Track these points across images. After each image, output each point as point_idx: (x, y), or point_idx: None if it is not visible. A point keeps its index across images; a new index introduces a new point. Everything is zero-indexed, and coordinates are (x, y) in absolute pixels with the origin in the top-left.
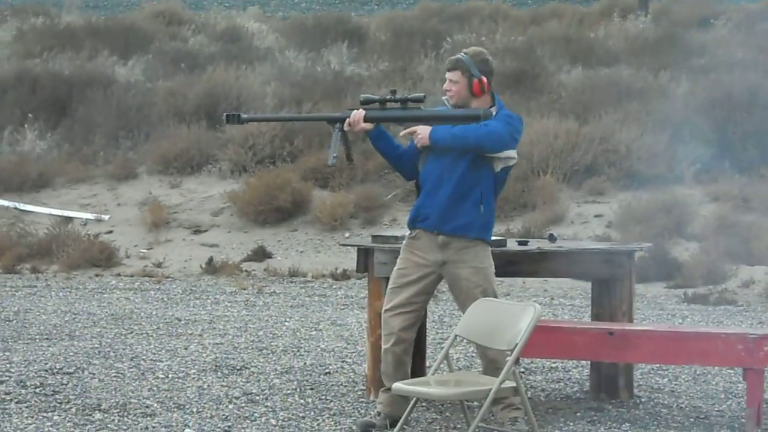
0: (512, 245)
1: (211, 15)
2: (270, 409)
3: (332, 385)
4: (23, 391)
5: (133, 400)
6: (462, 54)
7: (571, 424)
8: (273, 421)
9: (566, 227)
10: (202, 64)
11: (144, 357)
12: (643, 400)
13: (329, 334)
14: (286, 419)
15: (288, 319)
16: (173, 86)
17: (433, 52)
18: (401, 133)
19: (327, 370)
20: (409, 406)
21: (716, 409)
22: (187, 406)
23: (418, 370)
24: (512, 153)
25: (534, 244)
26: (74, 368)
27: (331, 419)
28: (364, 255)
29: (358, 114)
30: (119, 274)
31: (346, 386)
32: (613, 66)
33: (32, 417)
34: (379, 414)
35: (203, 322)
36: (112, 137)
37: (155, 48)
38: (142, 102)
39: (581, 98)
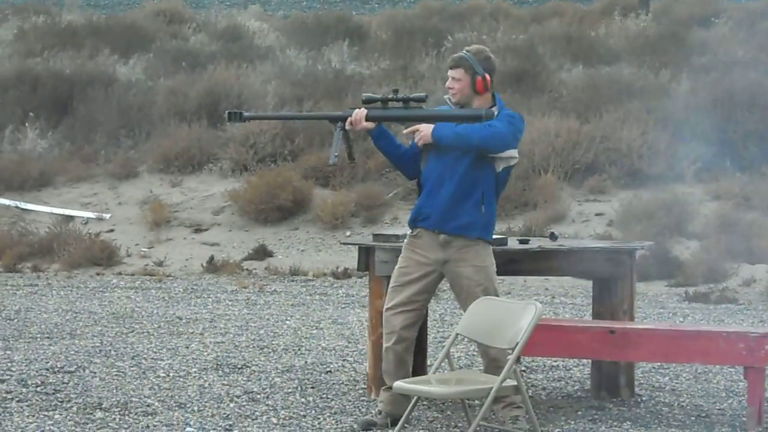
0: (513, 244)
1: (212, 14)
2: (271, 408)
3: (333, 383)
4: (24, 389)
5: (134, 399)
6: (464, 52)
7: (572, 422)
8: (274, 420)
9: (567, 226)
10: (203, 62)
11: (145, 356)
12: (644, 398)
13: (330, 332)
14: (287, 418)
15: (289, 318)
16: (174, 85)
17: (434, 50)
18: (404, 131)
19: (328, 369)
20: (410, 404)
21: (717, 407)
22: (188, 405)
23: (419, 368)
24: (514, 152)
25: (535, 243)
26: (75, 367)
27: (332, 418)
28: (365, 254)
29: (360, 113)
30: (120, 273)
31: (347, 385)
32: (614, 64)
33: (33, 416)
34: (380, 412)
35: (204, 320)
36: (113, 136)
37: (156, 47)
38: (143, 101)
39: (582, 97)
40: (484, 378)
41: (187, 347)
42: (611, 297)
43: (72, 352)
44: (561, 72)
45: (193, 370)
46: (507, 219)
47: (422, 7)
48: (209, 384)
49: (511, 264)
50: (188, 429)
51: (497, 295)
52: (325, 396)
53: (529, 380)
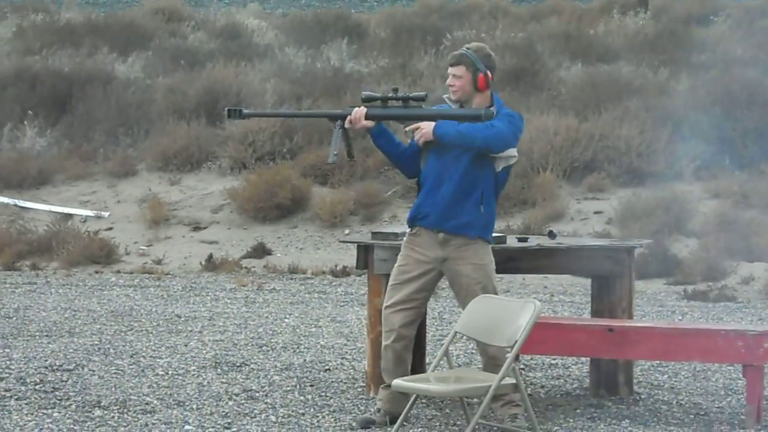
0: (512, 242)
1: (210, 12)
2: (270, 406)
3: (332, 381)
4: (23, 388)
5: (132, 397)
6: (465, 49)
7: (571, 420)
8: (273, 418)
9: (566, 224)
10: (201, 60)
11: (144, 354)
12: (642, 396)
13: (329, 330)
14: (285, 416)
15: (288, 316)
16: (173, 83)
17: (433, 48)
18: (406, 129)
19: (327, 367)
20: (409, 402)
21: (716, 405)
22: (186, 403)
23: (417, 366)
24: (513, 151)
25: (534, 241)
26: (74, 365)
27: (330, 416)
28: (364, 252)
29: (360, 111)
30: (119, 271)
31: (345, 383)
32: (612, 63)
33: (32, 414)
34: (379, 411)
35: (203, 319)
36: (111, 134)
37: (155, 45)
38: (141, 99)
39: (581, 95)
40: (483, 376)
41: (185, 345)
42: (610, 295)
43: (71, 350)
44: (560, 70)
45: (192, 368)
46: (506, 217)
47: (421, 5)
48: (208, 382)
49: (510, 262)
50: (187, 427)
51: (496, 294)
52: (323, 394)
53: (527, 378)
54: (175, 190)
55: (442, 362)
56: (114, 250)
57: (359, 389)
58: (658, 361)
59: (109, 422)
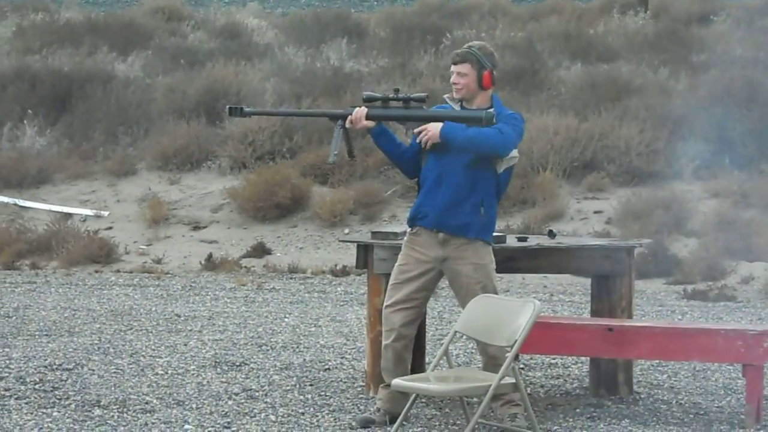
0: (512, 241)
1: (210, 11)
2: (269, 405)
3: (332, 381)
4: (23, 387)
5: (132, 396)
6: (468, 47)
7: (571, 420)
8: (272, 417)
9: (566, 223)
10: (201, 60)
11: (143, 353)
12: (642, 396)
13: (329, 330)
14: (285, 415)
15: (287, 316)
16: (173, 82)
17: (433, 48)
18: (414, 131)
19: (326, 367)
20: (409, 402)
21: (716, 405)
22: (186, 402)
23: (417, 366)
24: (515, 152)
25: (533, 241)
26: (74, 364)
27: (330, 415)
28: (364, 251)
29: (361, 111)
30: (119, 271)
31: (345, 382)
32: (612, 62)
33: (32, 413)
34: (378, 410)
35: (202, 318)
36: (111, 133)
37: (155, 44)
38: (141, 98)
39: (581, 94)
40: (483, 375)
41: (185, 345)
42: (610, 295)
43: (70, 350)
44: (560, 70)
45: (192, 367)
46: (506, 217)
47: (421, 5)
48: (208, 381)
49: (510, 262)
50: (186, 426)
51: (496, 293)
52: (323, 393)
53: (527, 378)
54: (175, 189)
55: (441, 362)
56: (114, 250)
57: (359, 389)
58: (657, 361)
59: (108, 421)
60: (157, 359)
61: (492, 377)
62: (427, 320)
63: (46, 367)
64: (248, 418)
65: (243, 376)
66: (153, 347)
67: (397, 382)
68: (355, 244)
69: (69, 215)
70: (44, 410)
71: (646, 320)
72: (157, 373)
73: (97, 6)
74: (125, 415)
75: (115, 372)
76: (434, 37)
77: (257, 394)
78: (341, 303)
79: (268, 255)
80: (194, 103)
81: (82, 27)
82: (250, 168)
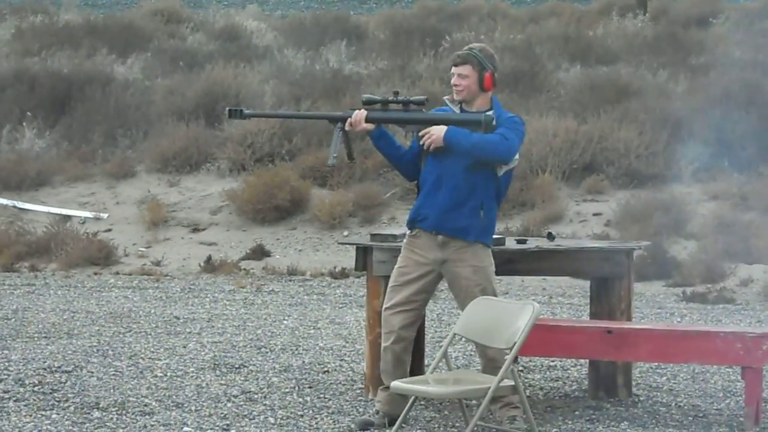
0: (511, 244)
1: (209, 13)
2: (268, 408)
3: (331, 383)
4: (22, 389)
5: (131, 399)
6: (468, 49)
7: (570, 422)
8: (271, 420)
9: (565, 226)
10: (200, 62)
11: (142, 355)
12: (641, 398)
13: (328, 332)
14: (284, 418)
15: (286, 318)
16: (172, 84)
17: (432, 50)
18: (419, 134)
19: (325, 369)
20: (408, 404)
21: (715, 407)
22: (185, 405)
23: (416, 368)
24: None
25: (532, 243)
26: (73, 367)
27: (329, 418)
28: (363, 253)
29: (360, 114)
30: (118, 273)
31: (344, 385)
32: (611, 64)
33: (31, 415)
34: (377, 412)
35: (202, 320)
36: (110, 135)
37: (154, 46)
38: (140, 100)
39: (580, 97)
40: (482, 378)
41: (184, 347)
42: (609, 297)
43: (69, 352)
44: (559, 72)
45: (191, 369)
46: (505, 219)
47: (420, 7)
48: (207, 384)
49: (509, 264)
50: (186, 429)
51: (495, 296)
52: (322, 396)
53: (526, 380)
54: (174, 191)
55: (440, 364)
56: (113, 252)
57: (358, 391)
58: (656, 363)
59: (107, 424)
60: (156, 361)
61: (491, 379)
62: (426, 322)
63: (45, 369)
64: (247, 420)
65: (242, 378)
66: (152, 349)
67: (396, 384)
68: (355, 247)
69: (68, 217)
70: (43, 412)
71: (645, 323)
72: (156, 376)
73: (96, 8)
74: (124, 417)
75: (114, 374)
76: (433, 40)
77: (256, 396)
78: (340, 305)
79: (267, 257)
80: (193, 105)
81: (81, 29)
82: (250, 170)
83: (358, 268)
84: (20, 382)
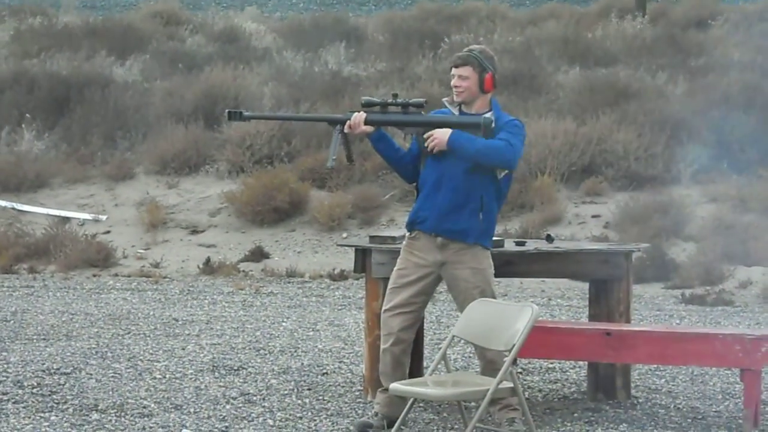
0: (510, 245)
1: (208, 15)
2: (267, 410)
3: (329, 385)
4: (20, 391)
5: (130, 401)
6: (469, 51)
7: (569, 424)
8: (270, 422)
9: (564, 227)
10: (199, 64)
11: (141, 357)
12: (640, 400)
13: (327, 334)
14: (283, 420)
15: (285, 320)
16: (171, 86)
17: (431, 52)
18: (424, 135)
19: (324, 371)
20: (407, 406)
21: (713, 409)
22: (184, 407)
23: (415, 370)
24: None
25: (531, 245)
26: (71, 368)
27: (328, 420)
28: (362, 255)
29: (359, 116)
30: (117, 275)
31: (343, 387)
32: (610, 66)
33: (29, 417)
34: (376, 414)
35: (200, 322)
36: (109, 137)
37: (153, 48)
38: (139, 102)
39: (579, 99)
40: (481, 380)
41: (183, 349)
42: (608, 299)
43: (68, 354)
44: (558, 74)
45: (190, 371)
46: (503, 221)
47: (419, 9)
48: (205, 386)
49: (508, 266)
50: (184, 430)
51: (494, 298)
52: (321, 398)
53: (525, 382)
54: (173, 193)
55: (439, 366)
56: (111, 254)
57: (357, 393)
58: (655, 365)
59: (106, 426)
60: (155, 363)
61: (490, 381)
62: (425, 324)
63: (43, 371)
64: (246, 422)
65: (241, 380)
66: (151, 351)
67: (395, 386)
68: (354, 248)
69: (67, 219)
70: (42, 414)
71: (644, 325)
72: (154, 378)
73: (95, 10)
74: (123, 419)
75: (112, 376)
76: (432, 42)
77: (255, 398)
78: (339, 307)
79: (266, 259)
80: (192, 107)
81: (81, 31)
82: (248, 172)
83: (357, 270)
84: (19, 384)
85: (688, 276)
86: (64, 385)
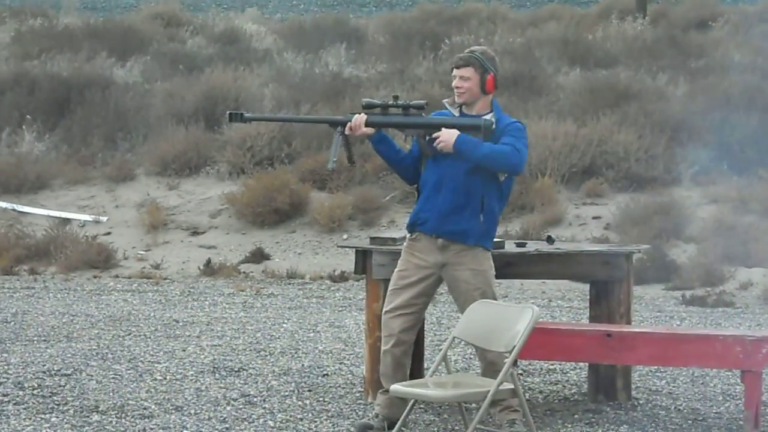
0: (510, 247)
1: (209, 16)
2: (268, 411)
3: (330, 386)
4: (21, 392)
5: (130, 402)
6: (470, 52)
7: (569, 426)
8: (271, 423)
9: (564, 229)
10: (200, 65)
11: (142, 359)
12: (641, 402)
13: (327, 335)
14: (283, 421)
15: (286, 321)
16: (171, 88)
17: (432, 53)
18: (432, 135)
19: (325, 372)
20: (407, 407)
21: (714, 411)
22: (184, 408)
23: (416, 371)
24: None
25: (532, 246)
26: (72, 370)
27: (329, 421)
28: (362, 257)
29: (360, 118)
30: (117, 276)
31: (344, 388)
32: (611, 68)
33: (30, 419)
34: (377, 416)
35: (201, 323)
36: (110, 139)
37: (153, 49)
38: (140, 103)
39: (579, 100)
40: (481, 381)
41: (183, 350)
42: (608, 300)
43: (69, 355)
44: (558, 75)
45: (190, 373)
46: (504, 222)
47: (419, 11)
48: (206, 387)
49: (508, 267)
50: None
51: (495, 299)
52: (322, 399)
53: (526, 383)
54: (174, 194)
55: (440, 367)
56: (112, 255)
57: (357, 394)
58: (656, 367)
59: (107, 427)
60: (156, 365)
61: (490, 383)
62: (425, 326)
63: (44, 372)
64: (246, 423)
65: (241, 381)
66: (151, 353)
67: (396, 387)
68: (354, 250)
69: (67, 221)
70: (42, 416)
71: (645, 326)
72: (155, 379)
73: (95, 11)
74: (123, 420)
75: (113, 377)
76: (433, 43)
77: (256, 399)
78: (340, 308)
79: (266, 260)
80: (193, 108)
81: (81, 32)
82: (249, 173)
83: (358, 271)
84: (19, 386)
85: (688, 277)
86: (64, 386)
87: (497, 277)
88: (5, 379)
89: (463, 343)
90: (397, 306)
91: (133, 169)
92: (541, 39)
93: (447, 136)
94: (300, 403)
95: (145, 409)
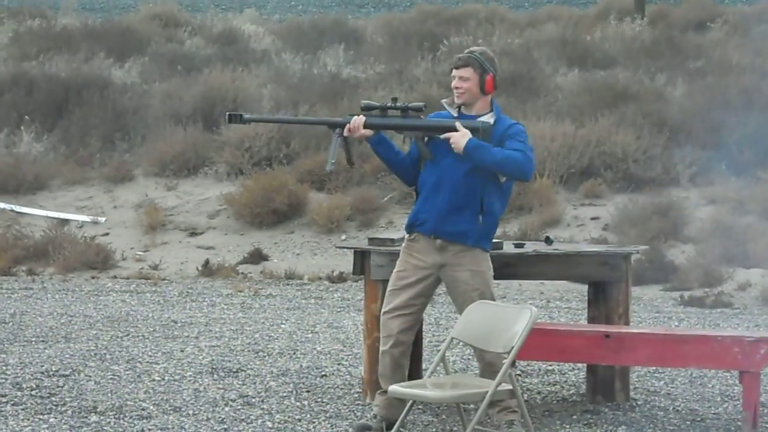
0: (509, 248)
1: (207, 17)
2: (266, 412)
3: (328, 387)
4: (19, 393)
5: (129, 403)
6: (469, 52)
7: (568, 426)
8: (269, 424)
9: (562, 230)
10: (198, 66)
11: (140, 359)
12: (639, 402)
13: (325, 336)
14: (282, 422)
15: (284, 322)
16: (169, 88)
17: (430, 54)
18: (443, 136)
19: (323, 373)
20: (406, 408)
21: (712, 411)
22: (183, 409)
23: (414, 372)
24: None
25: (530, 247)
26: (70, 371)
27: (327, 422)
28: (361, 257)
29: (359, 120)
30: (115, 277)
31: (342, 389)
32: (609, 69)
33: (28, 419)
34: (375, 416)
35: (199, 324)
36: (108, 139)
37: (152, 50)
38: (138, 104)
39: (577, 101)
40: (480, 382)
41: (182, 351)
42: (606, 301)
43: (67, 356)
44: (556, 76)
45: (188, 373)
46: (502, 223)
47: (418, 11)
48: (204, 388)
49: (507, 268)
50: None
51: (493, 300)
52: (320, 400)
53: (524, 384)
54: (172, 195)
55: (438, 368)
56: (110, 256)
57: (356, 395)
58: (654, 368)
59: (105, 428)
60: (154, 365)
61: (489, 384)
62: (424, 326)
63: (42, 373)
64: (245, 424)
65: (240, 382)
66: (150, 353)
67: (394, 388)
68: (352, 251)
69: (66, 221)
70: (41, 416)
71: (643, 327)
72: (153, 380)
73: (94, 12)
74: (122, 421)
75: (111, 378)
76: (431, 44)
77: (254, 400)
78: (338, 309)
79: (265, 261)
80: (191, 109)
81: (79, 33)
82: (247, 174)
83: (356, 272)
84: (18, 386)
85: (687, 278)
86: (62, 387)
87: (496, 277)
88: (3, 380)
89: (461, 343)
90: (396, 307)
91: (131, 169)
92: (540, 40)
93: (458, 138)
94: (298, 403)
95: (143, 409)
